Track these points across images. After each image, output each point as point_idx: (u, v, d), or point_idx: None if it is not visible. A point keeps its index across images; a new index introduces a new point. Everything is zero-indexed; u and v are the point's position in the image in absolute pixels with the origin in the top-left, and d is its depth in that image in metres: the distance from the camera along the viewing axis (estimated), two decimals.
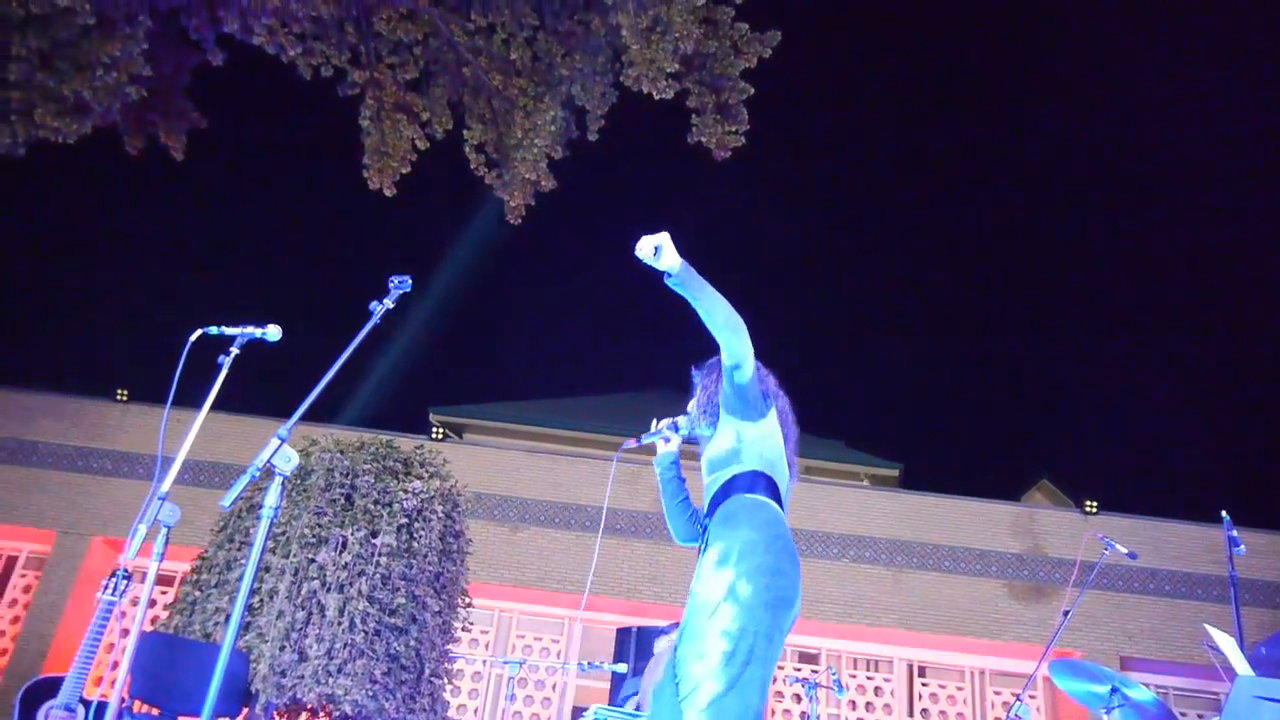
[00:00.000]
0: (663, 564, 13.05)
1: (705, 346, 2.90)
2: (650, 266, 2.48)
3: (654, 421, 3.05)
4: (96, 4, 8.71)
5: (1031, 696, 13.19)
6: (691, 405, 3.02)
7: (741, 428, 2.78)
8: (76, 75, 8.93)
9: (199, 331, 3.02)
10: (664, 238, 2.45)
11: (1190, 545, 13.25)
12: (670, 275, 2.49)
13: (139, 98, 9.56)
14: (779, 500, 2.71)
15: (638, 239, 2.50)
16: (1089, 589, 11.90)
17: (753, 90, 10.36)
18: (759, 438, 2.77)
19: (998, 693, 13.53)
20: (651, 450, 3.10)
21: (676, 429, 2.99)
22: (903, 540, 13.40)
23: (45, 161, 10.22)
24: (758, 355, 3.01)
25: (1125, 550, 5.52)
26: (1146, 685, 4.06)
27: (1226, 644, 3.35)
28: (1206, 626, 3.54)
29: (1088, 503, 13.70)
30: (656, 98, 9.96)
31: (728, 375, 2.73)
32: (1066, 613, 5.23)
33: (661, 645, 6.27)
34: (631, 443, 2.98)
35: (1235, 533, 4.73)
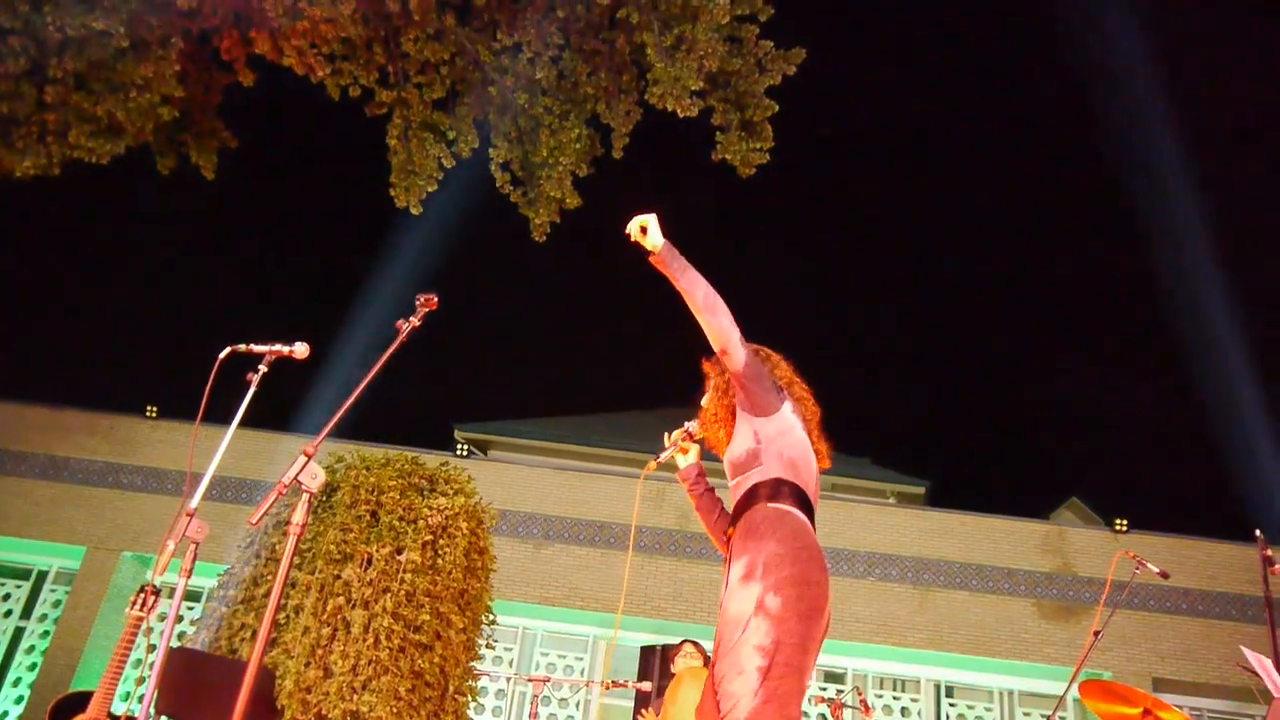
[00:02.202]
0: (686, 581, 13.00)
1: None
2: (639, 246, 2.62)
3: (666, 437, 3.02)
4: (131, 27, 8.88)
5: (1061, 718, 12.99)
6: (705, 400, 2.94)
7: (758, 425, 2.69)
8: (110, 96, 9.10)
9: (228, 349, 3.05)
10: (651, 218, 2.58)
11: (1224, 564, 13.03)
12: (652, 254, 2.60)
13: (171, 118, 9.71)
14: (806, 505, 2.62)
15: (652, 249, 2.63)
16: (1120, 608, 11.74)
17: (777, 108, 10.36)
18: (776, 435, 2.68)
19: (1026, 714, 13.33)
20: (675, 468, 3.07)
21: (690, 435, 2.97)
22: (930, 559, 13.27)
23: (78, 180, 10.40)
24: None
25: (1157, 569, 5.44)
26: (1180, 708, 3.98)
27: (1263, 666, 3.29)
28: (1242, 648, 3.49)
29: (1118, 521, 13.51)
30: (681, 115, 9.99)
31: (726, 367, 2.70)
32: (1097, 633, 5.15)
33: (679, 665, 6.22)
34: (652, 464, 2.95)
35: (1270, 551, 4.65)
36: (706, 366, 2.99)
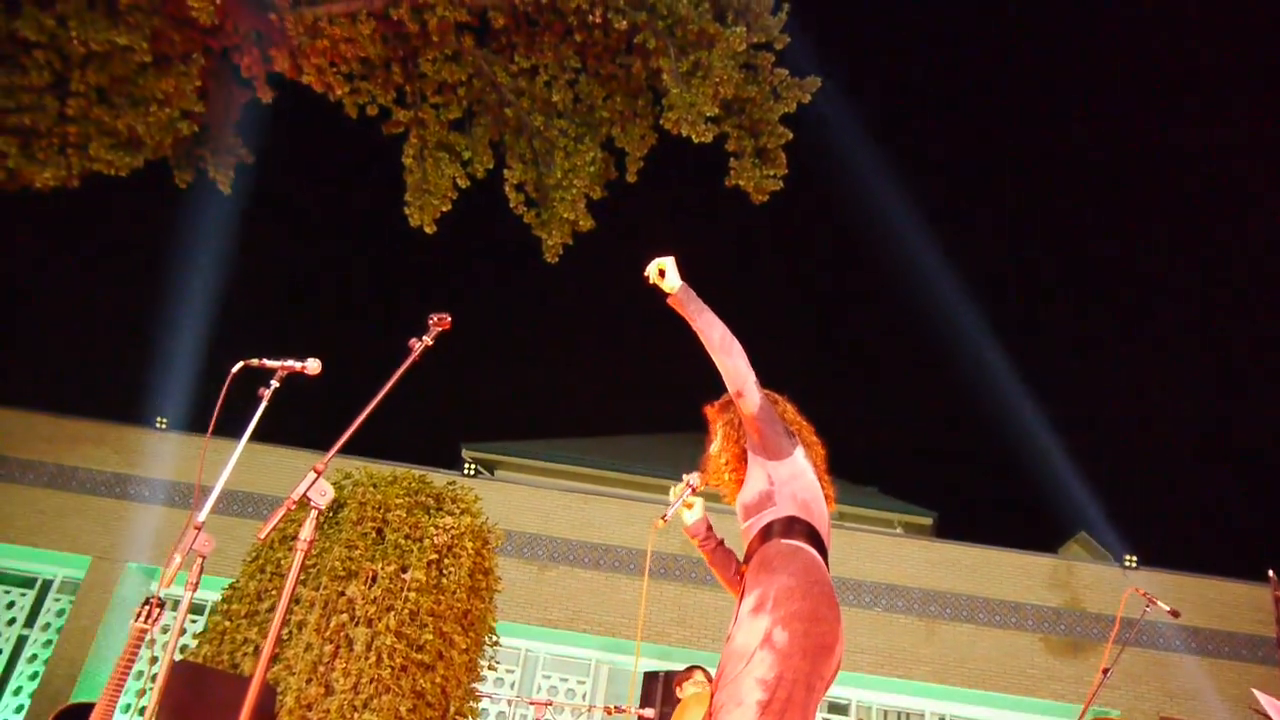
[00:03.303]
0: (690, 607, 12.92)
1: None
2: (657, 288, 2.69)
3: (670, 491, 2.95)
4: (154, 42, 8.98)
5: None
6: (714, 449, 2.92)
7: (771, 469, 2.70)
8: (131, 110, 9.20)
9: (241, 363, 3.06)
10: (669, 261, 2.66)
11: (1235, 603, 12.89)
12: (670, 295, 2.67)
13: (190, 133, 9.81)
14: (819, 544, 2.62)
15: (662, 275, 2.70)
16: (1128, 646, 11.60)
17: (791, 135, 10.41)
18: (789, 477, 2.69)
19: None
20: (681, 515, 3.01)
21: (693, 489, 2.89)
22: (936, 591, 13.17)
23: (95, 192, 10.48)
24: (794, 396, 2.98)
25: (1167, 607, 5.39)
26: None
27: (1275, 708, 3.25)
28: (1255, 691, 3.44)
29: (1127, 557, 13.40)
30: (696, 141, 10.04)
31: (741, 409, 2.69)
32: (1106, 670, 5.09)
33: (687, 691, 6.19)
34: (659, 522, 2.89)
35: None
36: (709, 413, 2.98)
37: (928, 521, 17.75)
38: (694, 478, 2.91)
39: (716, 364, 2.66)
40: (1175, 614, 5.54)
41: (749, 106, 10.40)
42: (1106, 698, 12.08)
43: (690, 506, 2.98)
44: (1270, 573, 4.76)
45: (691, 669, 6.39)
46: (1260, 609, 12.61)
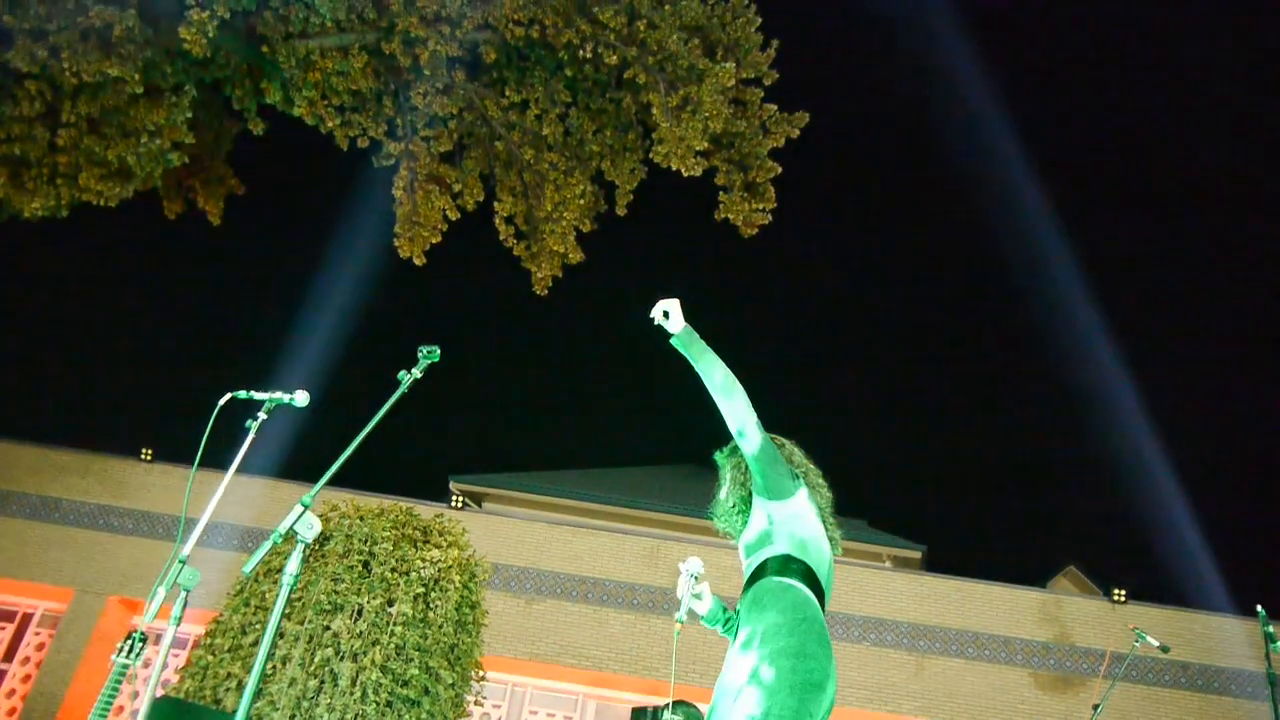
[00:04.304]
0: (680, 641, 12.82)
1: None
2: (661, 329, 2.76)
3: (678, 590, 2.79)
4: (145, 74, 9.02)
5: None
6: (723, 493, 2.94)
7: (771, 508, 2.72)
8: (122, 141, 9.22)
9: (229, 395, 3.05)
10: (674, 304, 2.73)
11: (1224, 638, 12.87)
12: (673, 336, 2.73)
13: (180, 164, 9.83)
14: (815, 582, 2.61)
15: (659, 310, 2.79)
16: (1119, 681, 11.57)
17: (780, 169, 10.51)
18: (789, 517, 2.70)
19: None
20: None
21: (695, 580, 2.74)
22: (926, 625, 13.11)
23: (84, 222, 10.47)
24: (782, 430, 2.99)
25: (1156, 642, 5.39)
26: None
27: None
28: None
29: (1116, 591, 13.38)
30: (685, 175, 10.12)
31: (742, 450, 2.71)
32: (1096, 706, 5.08)
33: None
34: (678, 626, 2.75)
35: (1272, 628, 4.61)
36: (719, 458, 3.02)
37: (917, 555, 17.69)
38: (692, 565, 2.76)
39: (718, 405, 2.68)
40: (1165, 649, 5.54)
41: (738, 141, 10.50)
42: None
43: (700, 597, 2.83)
44: (1259, 608, 4.77)
45: (676, 704, 6.35)
46: (1250, 644, 12.59)
